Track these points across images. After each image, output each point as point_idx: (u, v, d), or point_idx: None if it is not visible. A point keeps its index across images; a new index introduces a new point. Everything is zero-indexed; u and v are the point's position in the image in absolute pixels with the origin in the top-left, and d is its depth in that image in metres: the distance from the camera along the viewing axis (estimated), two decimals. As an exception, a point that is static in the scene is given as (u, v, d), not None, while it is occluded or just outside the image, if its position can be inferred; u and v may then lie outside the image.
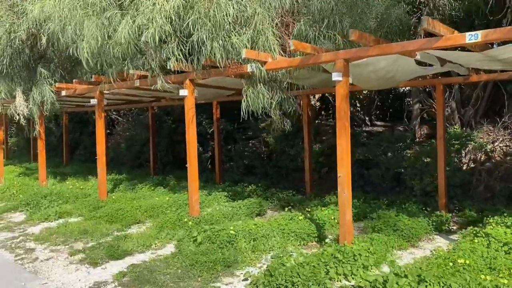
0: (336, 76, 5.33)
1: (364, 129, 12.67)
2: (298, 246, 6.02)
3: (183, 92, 7.05)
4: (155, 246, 6.28)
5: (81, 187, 10.71)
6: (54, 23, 6.86)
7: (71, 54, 7.08)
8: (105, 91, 8.90)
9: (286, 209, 7.90)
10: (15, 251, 6.38)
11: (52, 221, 7.99)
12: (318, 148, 11.02)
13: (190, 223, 6.84)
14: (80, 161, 17.73)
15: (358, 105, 13.36)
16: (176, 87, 7.65)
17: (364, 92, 12.77)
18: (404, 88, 12.24)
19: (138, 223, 7.60)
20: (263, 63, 5.97)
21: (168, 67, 6.55)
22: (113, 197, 9.14)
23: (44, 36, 7.22)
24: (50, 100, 9.36)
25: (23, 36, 8.30)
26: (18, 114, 9.48)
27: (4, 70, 8.99)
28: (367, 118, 13.25)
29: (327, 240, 6.02)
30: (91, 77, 8.80)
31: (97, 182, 10.83)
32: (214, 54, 5.84)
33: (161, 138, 13.79)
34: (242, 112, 6.16)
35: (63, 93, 9.74)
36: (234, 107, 12.44)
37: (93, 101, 8.92)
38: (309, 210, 7.42)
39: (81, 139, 18.37)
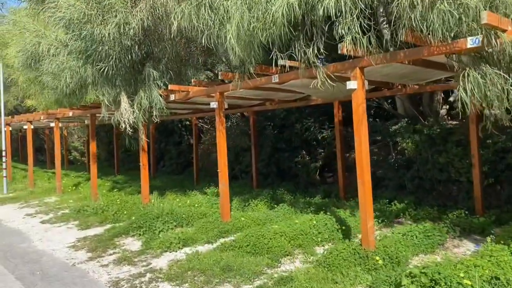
0: None
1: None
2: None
3: (351, 85, 5.33)
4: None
5: (189, 204, 9.31)
6: (186, 4, 5.42)
7: (206, 43, 5.61)
8: (228, 92, 7.42)
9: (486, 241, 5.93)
10: (151, 296, 4.95)
11: (176, 251, 6.54)
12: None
13: (373, 259, 5.06)
14: (166, 173, 16.67)
15: None
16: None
17: None
18: None
19: (287, 255, 5.94)
20: (501, 31, 4.10)
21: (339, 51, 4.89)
22: (239, 218, 7.60)
23: (176, 20, 5.78)
24: (159, 105, 8.05)
25: (136, 29, 6.99)
26: (124, 122, 8.24)
27: (110, 72, 7.76)
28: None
29: None
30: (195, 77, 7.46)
31: (208, 199, 9.49)
32: (427, 25, 4.08)
33: (262, 147, 12.25)
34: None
35: (172, 97, 8.42)
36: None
37: (213, 104, 7.46)
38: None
39: (166, 150, 17.32)
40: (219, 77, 6.72)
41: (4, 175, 15.13)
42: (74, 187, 14.70)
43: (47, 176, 18.81)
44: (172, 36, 7.24)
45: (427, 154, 8.89)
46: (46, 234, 8.38)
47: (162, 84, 7.97)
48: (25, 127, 15.84)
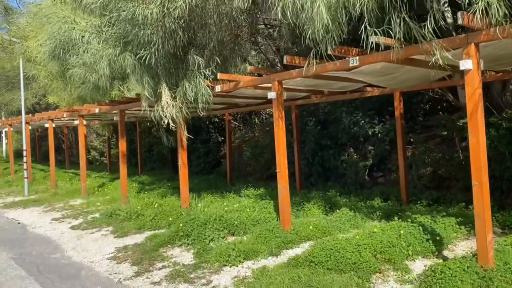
0: None
1: None
2: None
3: (465, 65, 4.31)
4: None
5: (236, 208, 8.35)
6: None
7: (279, 16, 4.65)
8: (288, 79, 6.44)
9: None
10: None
11: (237, 265, 5.59)
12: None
13: (499, 281, 4.06)
14: (194, 173, 15.75)
15: None
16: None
17: None
18: None
19: (378, 272, 4.96)
20: None
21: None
22: (301, 226, 6.63)
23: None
24: (206, 97, 7.12)
25: (183, 7, 6.06)
26: (166, 117, 7.32)
27: (153, 60, 6.83)
28: None
29: None
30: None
31: (252, 202, 8.54)
32: None
33: (304, 144, 11.27)
34: None
35: (218, 88, 7.48)
36: (414, 99, 9.79)
37: (271, 95, 6.49)
38: None
39: (193, 148, 16.39)
40: (284, 61, 5.74)
41: (25, 176, 14.36)
42: (98, 189, 13.88)
43: (68, 177, 18.07)
44: (221, 19, 6.30)
45: (505, 150, 7.82)
46: (80, 242, 7.51)
47: (209, 73, 7.02)
48: (46, 125, 15.06)
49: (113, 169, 19.67)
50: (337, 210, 7.81)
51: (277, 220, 7.12)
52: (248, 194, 10.49)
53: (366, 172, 10.54)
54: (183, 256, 6.21)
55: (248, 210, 7.99)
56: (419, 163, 9.32)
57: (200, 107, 7.32)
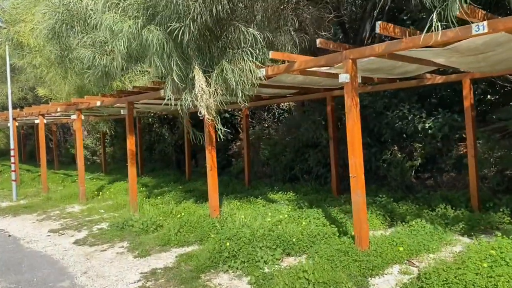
0: None
1: None
2: None
3: None
4: None
5: (281, 219, 6.92)
6: None
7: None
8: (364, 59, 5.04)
9: None
10: None
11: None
12: None
13: None
14: (202, 175, 14.22)
15: None
16: None
17: None
18: None
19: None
20: None
21: None
22: (382, 243, 5.24)
23: None
24: (254, 82, 5.69)
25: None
26: (201, 107, 5.85)
27: (187, 36, 5.36)
28: None
29: None
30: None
31: (295, 210, 7.12)
32: None
33: (339, 142, 9.89)
34: None
35: (262, 72, 6.03)
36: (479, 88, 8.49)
37: (343, 78, 5.08)
38: None
39: (201, 146, 14.84)
40: (377, 30, 4.35)
41: (13, 178, 12.68)
42: (97, 192, 12.29)
43: (59, 178, 16.38)
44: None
45: None
46: (91, 264, 6.00)
47: (259, 52, 5.58)
48: (36, 121, 13.38)
49: (109, 170, 18.03)
50: (403, 222, 6.48)
51: (343, 236, 5.72)
52: (277, 199, 9.10)
53: (413, 173, 9.22)
54: (236, 285, 4.76)
55: (295, 221, 6.59)
56: (483, 162, 8.03)
57: (241, 96, 5.87)
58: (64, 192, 12.57)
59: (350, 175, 5.19)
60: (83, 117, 11.32)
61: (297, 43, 5.99)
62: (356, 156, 5.19)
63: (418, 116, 8.94)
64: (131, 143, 9.27)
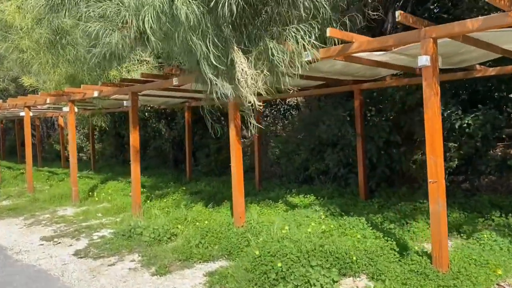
0: None
1: None
2: None
3: None
4: None
5: (318, 231, 5.97)
6: None
7: None
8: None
9: None
10: None
11: None
12: None
13: None
14: (203, 174, 13.19)
15: None
16: None
17: None
18: None
19: None
20: None
21: None
22: (464, 262, 4.34)
23: None
24: (303, 63, 4.74)
25: None
26: (247, 93, 4.87)
27: (226, 9, 4.36)
28: None
29: None
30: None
31: (332, 218, 6.18)
32: None
33: (367, 141, 8.99)
34: None
35: (307, 55, 5.05)
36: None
37: (423, 60, 4.14)
38: None
39: (201, 143, 13.82)
40: (397, 19, 3.40)
41: (-5, 176, 11.42)
42: (90, 193, 11.14)
43: (44, 176, 15.10)
44: None
45: None
46: (100, 283, 4.95)
47: (312, 29, 4.60)
48: (22, 114, 12.11)
49: (98, 168, 16.79)
50: (460, 232, 5.64)
51: (403, 252, 4.81)
52: (298, 203, 8.19)
53: (447, 176, 8.39)
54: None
55: (340, 232, 5.66)
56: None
57: (288, 81, 4.91)
58: (52, 192, 11.36)
59: (429, 180, 4.28)
60: (76, 110, 10.14)
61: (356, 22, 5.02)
62: (437, 155, 4.28)
63: (455, 112, 8.12)
64: (134, 138, 8.21)
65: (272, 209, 7.58)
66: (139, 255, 5.88)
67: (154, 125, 14.82)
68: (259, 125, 6.05)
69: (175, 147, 14.45)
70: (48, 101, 10.74)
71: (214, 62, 4.68)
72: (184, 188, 10.40)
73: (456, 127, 8.07)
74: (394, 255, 4.80)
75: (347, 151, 9.30)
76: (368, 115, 9.29)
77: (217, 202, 8.60)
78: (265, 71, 4.96)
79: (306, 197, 8.60)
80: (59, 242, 6.89)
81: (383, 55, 5.34)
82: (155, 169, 14.86)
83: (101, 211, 9.02)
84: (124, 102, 8.16)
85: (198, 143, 13.68)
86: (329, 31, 4.43)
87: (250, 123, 5.37)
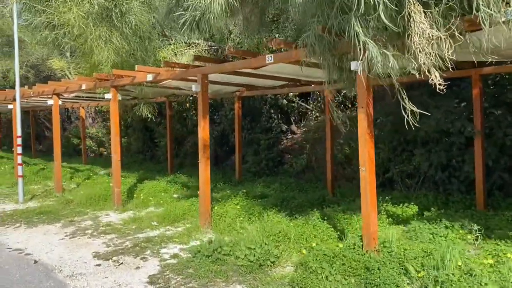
0: None
1: None
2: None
3: None
4: None
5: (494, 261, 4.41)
6: None
7: None
8: None
9: None
10: None
11: None
12: None
13: None
14: (252, 174, 11.60)
15: None
16: None
17: None
18: None
19: None
20: None
21: None
22: None
23: None
24: None
25: None
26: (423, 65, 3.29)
27: None
28: None
29: None
30: None
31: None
32: None
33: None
34: None
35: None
36: None
37: None
38: None
39: (249, 139, 12.24)
40: None
41: (20, 173, 9.89)
42: (130, 194, 9.61)
43: (66, 173, 13.48)
44: None
45: None
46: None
47: None
48: (50, 102, 10.55)
49: (126, 165, 15.17)
50: None
51: None
52: (401, 214, 6.66)
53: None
54: None
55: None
56: None
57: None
58: (84, 193, 9.82)
59: None
60: (120, 98, 8.59)
61: None
62: None
63: None
64: (204, 130, 6.64)
65: (383, 224, 6.02)
66: (243, 287, 4.33)
67: (195, 117, 13.26)
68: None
69: (218, 143, 12.89)
70: (83, 87, 9.19)
71: (385, 20, 3.10)
72: (244, 191, 8.82)
73: None
74: None
75: (450, 151, 7.73)
76: (494, 107, 7.57)
77: (298, 211, 7.06)
78: (456, 33, 3.37)
79: (406, 206, 7.04)
80: (121, 263, 5.34)
81: None
82: (191, 167, 13.27)
83: (154, 218, 7.48)
84: (193, 86, 6.57)
85: (245, 138, 12.11)
86: None
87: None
